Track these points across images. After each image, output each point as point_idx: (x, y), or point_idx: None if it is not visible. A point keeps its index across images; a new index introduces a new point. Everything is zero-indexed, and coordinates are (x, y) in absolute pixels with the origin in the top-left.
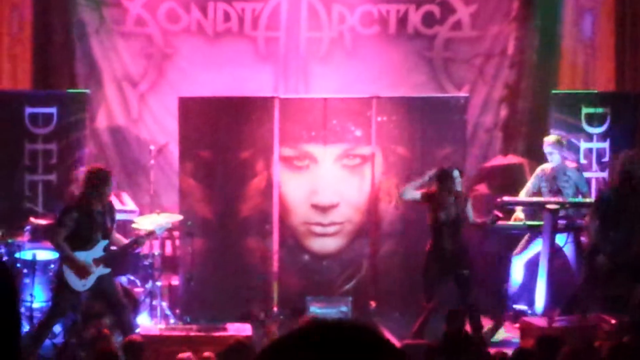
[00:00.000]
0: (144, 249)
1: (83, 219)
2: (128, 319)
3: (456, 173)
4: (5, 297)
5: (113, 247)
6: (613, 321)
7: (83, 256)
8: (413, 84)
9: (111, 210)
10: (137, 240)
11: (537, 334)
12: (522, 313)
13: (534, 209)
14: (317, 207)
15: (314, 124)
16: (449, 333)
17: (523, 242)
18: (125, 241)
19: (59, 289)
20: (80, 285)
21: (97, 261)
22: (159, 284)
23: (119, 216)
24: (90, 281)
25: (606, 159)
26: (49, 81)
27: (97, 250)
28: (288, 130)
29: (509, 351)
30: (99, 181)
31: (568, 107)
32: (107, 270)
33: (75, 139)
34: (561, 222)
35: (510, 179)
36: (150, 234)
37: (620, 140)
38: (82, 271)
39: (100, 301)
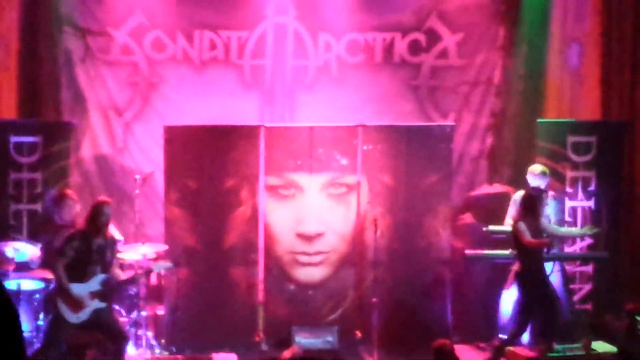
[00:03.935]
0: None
1: (83, 249)
2: (125, 350)
3: (544, 196)
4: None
5: (111, 281)
6: (601, 350)
7: (79, 289)
8: (399, 113)
9: (112, 243)
10: (135, 278)
11: None
12: None
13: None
14: (302, 236)
15: (299, 153)
16: None
17: (511, 275)
18: (123, 277)
19: (55, 319)
20: (73, 317)
21: (93, 295)
22: (144, 313)
23: None
24: (84, 315)
25: (592, 187)
26: (34, 109)
27: (94, 284)
28: (273, 159)
29: None
30: (94, 213)
31: (554, 135)
32: (103, 305)
33: (60, 168)
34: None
35: (496, 208)
36: (149, 272)
37: (607, 169)
38: (75, 305)
39: (100, 332)
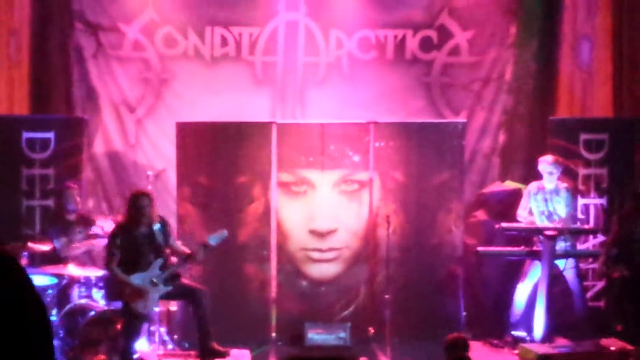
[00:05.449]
0: None
1: (127, 242)
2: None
3: None
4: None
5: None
6: (612, 348)
7: (139, 278)
8: (411, 110)
9: (163, 228)
10: (193, 255)
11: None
12: (521, 339)
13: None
14: (315, 233)
15: (311, 150)
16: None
17: (525, 269)
18: (187, 250)
19: (125, 312)
20: (141, 307)
21: (156, 281)
22: (157, 309)
23: None
24: (151, 303)
25: (605, 185)
26: (46, 105)
27: (154, 271)
28: (285, 156)
29: None
30: (129, 206)
31: (566, 133)
32: (168, 288)
33: (73, 164)
34: (561, 248)
35: (509, 205)
36: (206, 246)
37: (619, 166)
38: (140, 295)
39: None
